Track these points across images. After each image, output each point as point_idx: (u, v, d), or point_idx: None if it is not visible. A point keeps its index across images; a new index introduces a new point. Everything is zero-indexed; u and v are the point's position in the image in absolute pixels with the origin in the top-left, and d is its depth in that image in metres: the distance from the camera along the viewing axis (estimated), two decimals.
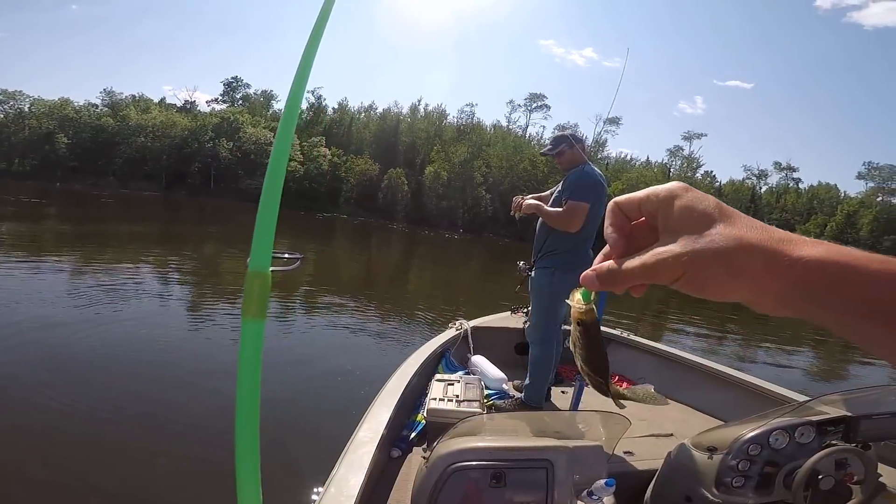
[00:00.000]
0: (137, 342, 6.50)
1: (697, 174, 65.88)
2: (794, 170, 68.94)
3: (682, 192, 0.45)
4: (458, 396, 2.64)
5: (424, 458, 1.75)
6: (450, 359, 3.69)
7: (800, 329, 15.04)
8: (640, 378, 3.98)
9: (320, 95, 70.74)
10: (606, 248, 0.50)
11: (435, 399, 2.62)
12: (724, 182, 66.14)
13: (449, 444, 1.69)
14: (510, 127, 73.31)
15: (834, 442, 1.84)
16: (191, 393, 5.13)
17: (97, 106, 63.71)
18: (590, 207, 3.14)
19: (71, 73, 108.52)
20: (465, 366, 3.70)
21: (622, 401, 0.71)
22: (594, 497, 1.67)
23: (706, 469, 1.83)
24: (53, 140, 56.78)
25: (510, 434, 1.91)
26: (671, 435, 2.90)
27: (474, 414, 2.46)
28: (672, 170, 67.23)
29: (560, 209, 3.20)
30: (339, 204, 57.21)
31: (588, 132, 73.59)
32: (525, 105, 74.29)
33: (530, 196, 3.56)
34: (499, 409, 3.21)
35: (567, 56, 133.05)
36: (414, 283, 17.41)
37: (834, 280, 0.37)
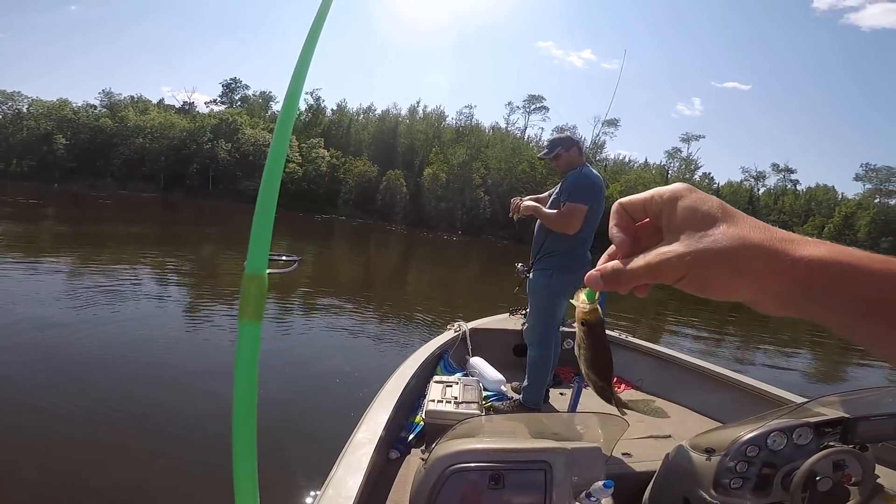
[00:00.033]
0: (135, 343, 6.49)
1: (696, 176, 65.89)
2: (791, 171, 69.07)
3: (686, 192, 0.45)
4: (456, 398, 2.64)
5: (423, 459, 1.75)
6: (448, 360, 3.69)
7: (797, 331, 15.06)
8: (639, 380, 3.98)
9: (319, 97, 70.76)
10: (611, 249, 0.50)
11: (433, 401, 2.62)
12: (722, 184, 66.21)
13: (447, 446, 1.69)
14: (509, 129, 73.31)
15: (832, 443, 1.84)
16: (188, 394, 5.13)
17: (95, 107, 63.63)
18: (588, 209, 3.15)
19: (69, 74, 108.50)
20: (463, 367, 3.71)
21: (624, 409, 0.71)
22: (592, 499, 1.67)
23: (704, 470, 1.83)
24: (51, 141, 56.70)
25: (508, 436, 1.91)
26: (669, 436, 2.91)
27: (473, 416, 2.46)
28: (670, 172, 67.26)
29: (558, 211, 3.20)
30: (338, 205, 57.18)
31: (586, 134, 73.40)
32: (524, 107, 74.34)
33: (528, 197, 3.56)
34: (497, 411, 3.21)
35: (565, 58, 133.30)
36: (412, 284, 17.41)
37: (836, 279, 0.37)
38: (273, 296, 9.78)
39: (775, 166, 69.55)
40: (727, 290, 0.41)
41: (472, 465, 1.63)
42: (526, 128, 74.35)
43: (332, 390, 5.75)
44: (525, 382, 3.32)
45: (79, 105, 62.82)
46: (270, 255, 0.65)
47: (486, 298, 13.53)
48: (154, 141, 57.62)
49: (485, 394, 3.17)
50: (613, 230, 0.50)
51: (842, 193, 64.90)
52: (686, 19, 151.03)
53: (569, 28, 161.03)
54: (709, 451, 1.86)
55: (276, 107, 73.70)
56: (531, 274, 3.39)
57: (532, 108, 73.91)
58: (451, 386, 2.78)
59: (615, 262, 0.48)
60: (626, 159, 73.87)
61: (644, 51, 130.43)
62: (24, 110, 60.88)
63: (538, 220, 3.37)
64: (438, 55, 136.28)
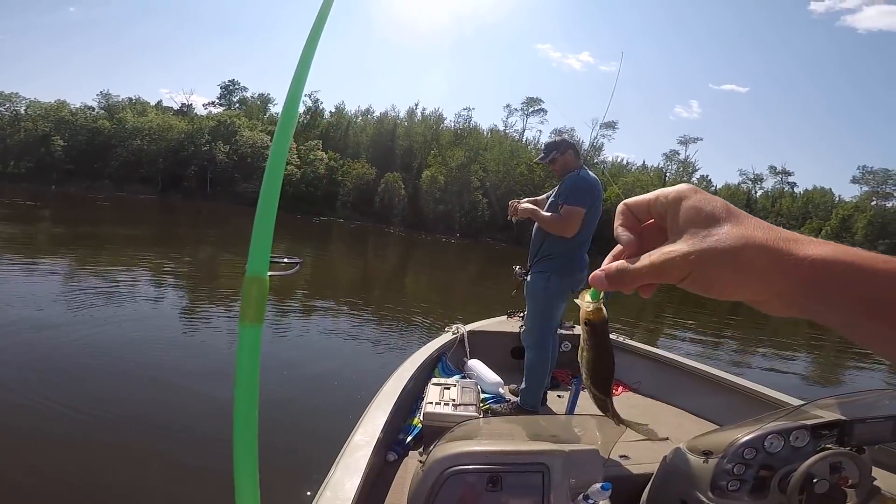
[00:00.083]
0: (132, 345, 6.48)
1: (693, 178, 65.93)
2: (789, 174, 69.17)
3: (691, 193, 0.46)
4: (454, 400, 2.64)
5: (420, 461, 1.75)
6: (446, 363, 3.69)
7: (795, 333, 15.08)
8: (637, 382, 3.99)
9: (317, 99, 70.75)
10: (616, 250, 0.51)
11: (431, 403, 2.62)
12: (719, 186, 66.27)
13: (445, 448, 1.69)
14: (507, 131, 73.36)
15: (829, 446, 1.85)
16: (185, 396, 5.12)
17: (93, 108, 63.42)
18: (585, 212, 3.16)
19: (68, 76, 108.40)
20: (461, 370, 3.71)
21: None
22: (590, 501, 1.67)
23: (701, 473, 1.84)
24: (49, 142, 56.53)
25: (506, 438, 1.91)
26: (667, 439, 2.91)
27: (471, 418, 2.46)
28: (668, 174, 67.35)
29: (556, 214, 3.21)
30: (336, 208, 57.13)
31: (584, 136, 73.62)
32: (522, 109, 74.33)
33: (526, 200, 3.57)
34: (495, 413, 3.21)
35: (564, 60, 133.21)
36: (410, 287, 17.40)
37: (840, 279, 0.37)
38: (271, 298, 9.76)
39: (772, 169, 69.72)
40: (730, 289, 0.42)
41: (470, 467, 1.63)
42: (524, 130, 74.45)
43: (329, 392, 5.75)
44: (523, 385, 3.32)
45: (77, 107, 62.68)
46: (271, 256, 0.64)
47: (484, 301, 13.54)
48: (152, 143, 57.49)
49: (483, 396, 3.17)
50: (619, 230, 0.50)
51: (839, 196, 65.11)
52: (684, 22, 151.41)
53: (567, 30, 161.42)
54: (706, 454, 1.86)
55: (275, 109, 73.73)
56: (529, 276, 3.39)
57: (530, 111, 73.97)
58: (448, 388, 2.78)
59: (620, 262, 0.48)
60: (625, 162, 74.12)
61: (642, 53, 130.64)
62: (22, 112, 60.67)
63: (536, 223, 3.38)
64: (437, 57, 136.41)
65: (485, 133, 70.83)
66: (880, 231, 53.01)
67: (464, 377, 3.47)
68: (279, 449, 4.05)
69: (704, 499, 1.80)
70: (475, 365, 3.63)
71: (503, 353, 4.18)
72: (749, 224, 0.42)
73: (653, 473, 2.07)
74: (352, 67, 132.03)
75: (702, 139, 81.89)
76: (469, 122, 70.65)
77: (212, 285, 11.81)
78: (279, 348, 7.10)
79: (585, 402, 3.32)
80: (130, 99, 67.50)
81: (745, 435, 1.83)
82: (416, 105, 72.77)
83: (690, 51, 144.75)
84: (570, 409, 3.04)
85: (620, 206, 0.51)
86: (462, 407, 2.59)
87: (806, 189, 67.60)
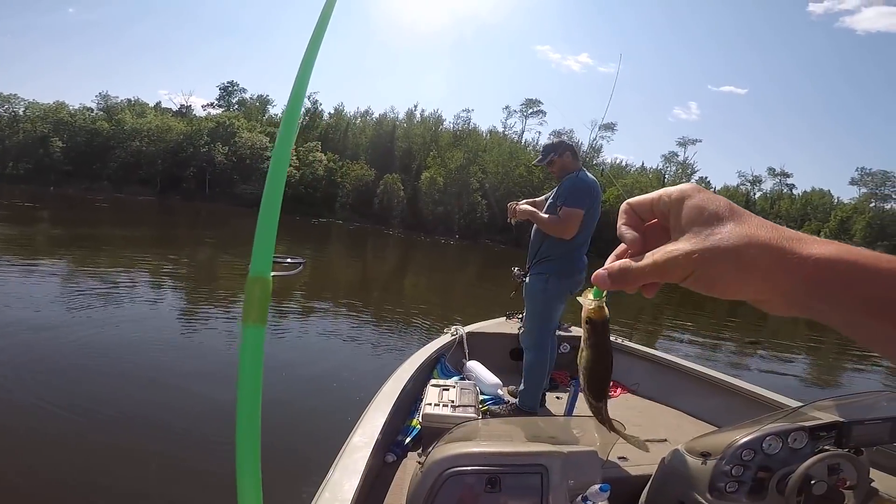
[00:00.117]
0: (130, 346, 6.49)
1: (692, 180, 65.71)
2: (787, 175, 69.12)
3: (694, 192, 0.46)
4: (453, 402, 2.64)
5: (419, 463, 1.75)
6: (445, 364, 3.69)
7: (793, 335, 15.10)
8: (635, 384, 3.99)
9: (316, 100, 70.72)
10: (619, 249, 0.50)
11: (430, 404, 2.62)
12: (718, 188, 66.20)
13: (444, 450, 1.69)
14: (506, 133, 73.34)
15: (826, 447, 1.85)
16: (184, 397, 5.12)
17: (92, 110, 63.32)
18: (584, 214, 3.16)
19: (67, 77, 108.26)
20: (460, 371, 3.71)
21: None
22: (588, 502, 1.68)
23: (700, 474, 1.84)
24: (48, 144, 56.45)
25: (505, 439, 1.92)
26: (665, 440, 2.91)
27: (469, 419, 2.46)
28: (667, 176, 67.36)
29: (554, 216, 3.21)
30: (335, 209, 57.08)
31: (583, 138, 73.68)
32: (521, 111, 74.35)
33: (524, 201, 3.57)
34: (494, 415, 3.21)
35: (563, 61, 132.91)
36: (409, 288, 17.40)
37: (844, 278, 0.37)
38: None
39: (771, 170, 69.68)
40: (734, 288, 0.41)
41: (469, 468, 1.64)
42: (523, 132, 74.42)
43: (328, 393, 5.75)
44: (521, 386, 3.32)
45: (75, 108, 62.63)
46: (274, 257, 0.64)
47: (483, 302, 13.53)
48: (151, 144, 57.40)
49: (481, 397, 3.17)
50: (622, 229, 0.50)
51: (837, 198, 65.11)
52: (683, 23, 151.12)
53: (566, 31, 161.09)
54: (704, 455, 1.87)
55: (274, 110, 73.69)
56: (528, 278, 3.40)
57: (529, 112, 73.98)
58: (447, 389, 2.78)
59: (623, 261, 0.48)
60: (623, 163, 74.11)
61: (641, 54, 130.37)
62: (21, 113, 60.61)
63: (535, 225, 3.38)
64: (436, 58, 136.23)
65: (484, 134, 70.78)
66: (879, 233, 53.02)
67: (463, 378, 3.47)
68: (278, 449, 4.04)
69: (703, 500, 1.80)
70: (474, 366, 3.63)
71: (502, 354, 4.18)
72: (752, 223, 0.42)
73: (651, 475, 2.07)
74: (351, 68, 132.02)
75: (701, 141, 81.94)
76: (468, 124, 70.78)
77: (210, 287, 11.80)
78: (278, 349, 7.10)
79: (584, 403, 3.32)
80: (129, 100, 67.48)
81: (743, 436, 1.83)
82: (416, 106, 72.66)
83: (689, 52, 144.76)
84: (569, 411, 3.04)
85: (623, 206, 0.51)
86: (461, 408, 2.59)
87: (805, 191, 67.74)
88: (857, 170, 65.49)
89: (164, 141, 57.76)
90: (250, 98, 74.92)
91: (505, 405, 3.34)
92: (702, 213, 0.43)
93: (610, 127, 67.94)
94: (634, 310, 15.11)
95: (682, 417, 3.52)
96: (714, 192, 0.46)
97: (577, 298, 0.55)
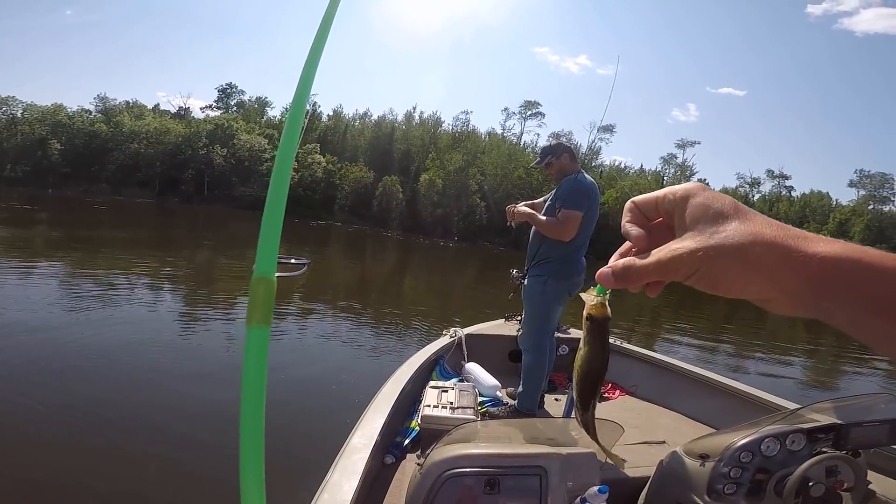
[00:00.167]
0: (129, 347, 6.48)
1: (691, 182, 65.74)
2: (786, 177, 69.23)
3: (699, 191, 0.46)
4: (452, 403, 2.65)
5: (418, 464, 1.76)
6: (444, 366, 3.70)
7: (791, 338, 15.11)
8: (633, 386, 3.99)
9: (315, 102, 70.63)
10: (623, 248, 0.50)
11: (429, 406, 2.62)
12: (717, 190, 65.93)
13: (443, 451, 1.70)
14: (505, 135, 73.37)
15: (824, 449, 1.86)
16: (183, 399, 5.12)
17: (90, 112, 63.29)
18: (583, 215, 3.17)
19: (65, 78, 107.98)
20: (459, 373, 3.71)
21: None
22: None
23: (698, 476, 1.84)
24: (46, 146, 56.41)
25: (504, 441, 1.92)
26: (663, 442, 2.92)
27: (468, 421, 2.46)
28: (666, 178, 67.38)
29: (553, 218, 3.22)
30: (334, 211, 57.01)
31: (582, 140, 73.67)
32: (520, 112, 74.41)
33: (523, 203, 3.58)
34: (493, 416, 3.22)
35: (561, 63, 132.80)
36: (408, 290, 17.41)
37: (849, 276, 0.37)
38: None
39: (770, 172, 69.81)
40: (738, 286, 0.41)
41: (468, 470, 1.64)
42: (522, 134, 74.46)
43: (327, 395, 5.75)
44: (520, 388, 3.33)
45: (74, 110, 62.62)
46: (279, 257, 0.64)
47: (482, 304, 13.54)
48: (149, 146, 57.33)
49: (480, 399, 3.17)
50: (627, 226, 0.50)
51: (836, 200, 65.32)
52: (681, 25, 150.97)
53: (565, 33, 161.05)
54: (703, 457, 1.87)
55: (272, 112, 73.62)
56: (526, 280, 3.41)
57: (528, 114, 74.05)
58: (446, 391, 2.79)
59: (627, 259, 0.47)
60: (622, 165, 74.11)
61: (640, 56, 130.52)
62: (19, 115, 60.61)
63: (533, 227, 3.39)
64: (435, 60, 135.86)
65: (483, 136, 70.77)
66: (878, 235, 53.07)
67: (461, 380, 3.48)
68: (277, 451, 4.04)
69: (701, 502, 1.81)
70: (473, 368, 3.63)
71: (501, 356, 4.18)
72: (758, 221, 0.41)
73: (650, 477, 2.07)
74: (350, 70, 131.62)
75: (699, 142, 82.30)
76: (467, 126, 70.74)
77: (209, 289, 11.80)
78: (277, 351, 7.09)
79: None
80: (127, 102, 67.39)
81: (741, 438, 1.83)
82: (414, 108, 72.66)
83: (688, 54, 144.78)
84: (568, 412, 3.05)
85: (628, 204, 0.51)
86: (460, 410, 2.59)
87: (803, 193, 67.92)
88: (855, 172, 65.71)
89: (163, 143, 57.70)
90: (249, 100, 74.88)
91: (504, 407, 3.34)
92: (707, 211, 0.43)
93: (609, 129, 68.05)
94: (634, 312, 15.12)
95: (680, 419, 3.52)
96: None
97: (581, 294, 0.54)
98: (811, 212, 62.32)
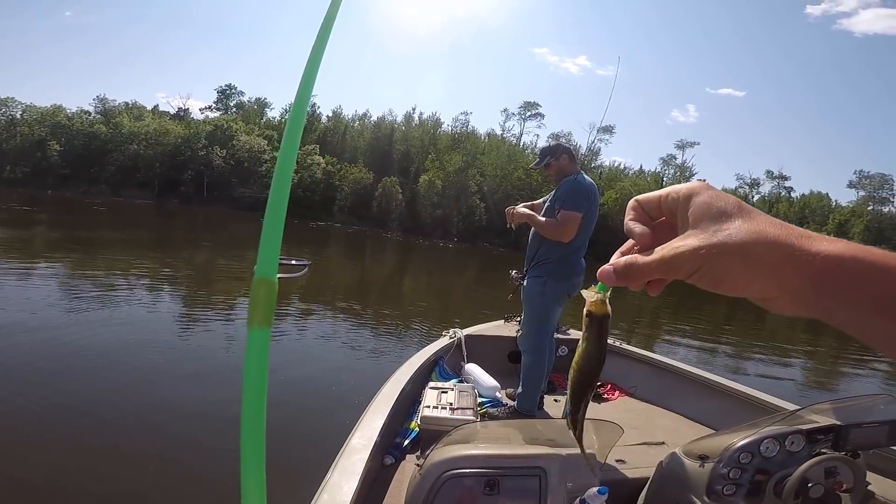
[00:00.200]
0: (128, 348, 6.48)
1: (694, 181, 65.65)
2: (786, 178, 69.29)
3: (703, 189, 0.45)
4: (451, 404, 2.65)
5: (418, 465, 1.76)
6: (443, 367, 3.70)
7: (791, 339, 15.12)
8: (633, 387, 4.00)
9: (314, 103, 70.59)
10: (624, 246, 0.50)
11: (429, 407, 2.62)
12: None
13: (443, 452, 1.70)
14: (504, 135, 73.36)
15: (824, 450, 1.86)
16: (182, 400, 5.11)
17: (90, 113, 63.37)
18: (582, 216, 3.17)
19: (64, 79, 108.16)
20: (458, 374, 3.71)
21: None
22: None
23: (697, 477, 1.84)
24: (45, 147, 56.42)
25: (503, 442, 1.92)
26: (663, 443, 2.92)
27: (468, 422, 2.46)
28: (665, 179, 67.35)
29: (552, 219, 3.22)
30: (333, 213, 56.96)
31: (582, 141, 73.65)
32: (519, 113, 74.41)
33: (522, 205, 3.58)
34: (492, 417, 3.22)
35: (561, 64, 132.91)
36: (408, 291, 17.40)
37: (852, 275, 0.37)
38: None
39: (769, 173, 69.86)
40: (741, 284, 0.41)
41: (468, 470, 1.64)
42: (521, 134, 74.44)
43: (327, 395, 5.75)
44: (519, 389, 3.33)
45: (73, 111, 62.66)
46: (280, 258, 0.64)
47: (482, 305, 13.54)
48: (148, 147, 57.36)
49: (480, 400, 3.17)
50: (630, 224, 0.50)
51: (835, 201, 65.30)
52: (680, 26, 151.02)
53: (564, 34, 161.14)
54: (702, 458, 1.87)
55: (271, 113, 73.72)
56: (525, 281, 3.41)
57: (528, 115, 74.05)
58: (446, 392, 2.79)
59: (629, 256, 0.47)
60: (622, 166, 73.98)
61: (639, 57, 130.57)
62: (18, 116, 60.66)
63: (533, 228, 3.39)
64: (434, 61, 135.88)
65: (482, 137, 70.73)
66: (877, 236, 53.06)
67: (461, 381, 3.48)
68: (277, 451, 4.03)
69: (700, 503, 1.81)
70: (472, 369, 3.64)
71: (500, 357, 4.18)
72: (761, 220, 0.41)
73: (649, 478, 2.07)
74: (349, 71, 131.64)
75: (699, 143, 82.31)
76: (466, 127, 70.78)
77: (208, 290, 11.79)
78: (277, 351, 7.09)
79: None
80: (127, 103, 67.44)
81: (741, 439, 1.83)
82: (414, 109, 72.65)
83: (687, 54, 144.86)
84: (567, 413, 3.05)
85: (631, 203, 0.51)
86: (459, 411, 2.60)
87: (803, 193, 67.94)
88: (855, 173, 65.73)
89: (162, 144, 57.72)
90: (248, 101, 74.94)
91: (503, 408, 3.34)
92: (710, 210, 0.43)
93: (608, 130, 68.03)
94: (633, 313, 15.13)
95: (679, 420, 3.52)
96: None
97: (582, 291, 0.53)
98: (811, 213, 62.27)
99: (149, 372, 5.78)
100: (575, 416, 0.59)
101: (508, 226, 3.61)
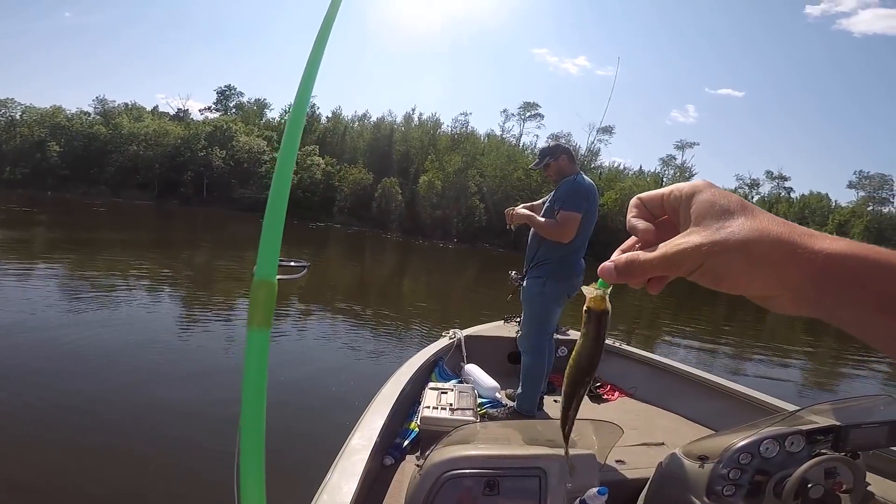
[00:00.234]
0: (127, 349, 6.48)
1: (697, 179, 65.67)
2: (785, 179, 69.29)
3: (706, 187, 0.45)
4: (451, 405, 2.65)
5: (418, 465, 1.76)
6: (443, 367, 3.70)
7: (791, 340, 15.11)
8: (632, 387, 4.00)
9: (314, 104, 70.58)
10: (625, 244, 0.50)
11: (428, 407, 2.62)
12: None
13: (442, 452, 1.70)
14: (504, 136, 73.36)
15: (823, 451, 1.86)
16: (181, 400, 5.11)
17: (89, 114, 63.43)
18: (581, 217, 3.17)
19: (64, 80, 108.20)
20: (458, 374, 3.71)
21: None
22: None
23: (697, 478, 1.84)
24: (45, 148, 56.47)
25: (503, 442, 1.92)
26: (662, 444, 2.92)
27: (468, 422, 2.46)
28: (665, 179, 67.33)
29: (552, 220, 3.22)
30: (333, 213, 56.93)
31: (581, 141, 73.69)
32: (519, 114, 74.40)
33: (522, 205, 3.58)
34: (492, 418, 3.21)
35: (560, 64, 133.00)
36: (408, 292, 17.40)
37: (855, 272, 0.37)
38: None
39: (769, 174, 69.84)
40: (743, 281, 0.41)
41: (468, 471, 1.64)
42: (521, 135, 74.43)
43: (326, 396, 5.75)
44: (519, 389, 3.32)
45: (73, 112, 62.68)
46: (279, 260, 0.64)
47: (481, 306, 13.54)
48: (148, 148, 57.40)
49: (479, 401, 3.17)
50: (633, 221, 0.49)
51: (835, 201, 65.32)
52: (680, 26, 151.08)
53: (563, 35, 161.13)
54: (702, 459, 1.87)
55: (271, 114, 73.73)
56: (525, 282, 3.41)
57: (527, 116, 74.05)
58: (446, 393, 2.79)
59: (630, 253, 0.47)
60: (621, 167, 73.97)
61: (638, 57, 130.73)
62: (18, 117, 60.71)
63: (532, 229, 3.39)
64: (434, 61, 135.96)
65: (482, 138, 70.68)
66: (877, 237, 52.92)
67: (461, 382, 3.48)
68: (276, 451, 4.04)
69: (700, 503, 1.81)
70: (472, 370, 3.63)
71: (500, 357, 4.18)
72: (764, 218, 0.41)
73: (649, 478, 2.07)
74: (349, 71, 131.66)
75: (698, 144, 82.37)
76: (466, 127, 70.74)
77: (208, 291, 11.79)
78: (277, 352, 7.08)
79: (582, 406, 3.31)
80: (126, 104, 67.50)
81: (740, 440, 1.83)
82: (413, 110, 72.62)
83: (686, 55, 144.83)
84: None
85: (634, 200, 0.50)
86: (459, 411, 2.59)
87: (802, 194, 67.93)
88: (854, 173, 65.70)
89: (162, 145, 57.77)
90: (248, 102, 74.97)
91: (503, 408, 3.34)
92: (713, 207, 0.43)
93: (608, 130, 67.99)
94: (633, 314, 15.13)
95: (679, 421, 3.52)
96: None
97: (582, 288, 0.52)
98: (810, 213, 62.22)
99: (148, 372, 5.78)
100: (566, 413, 0.58)
101: (508, 227, 3.61)
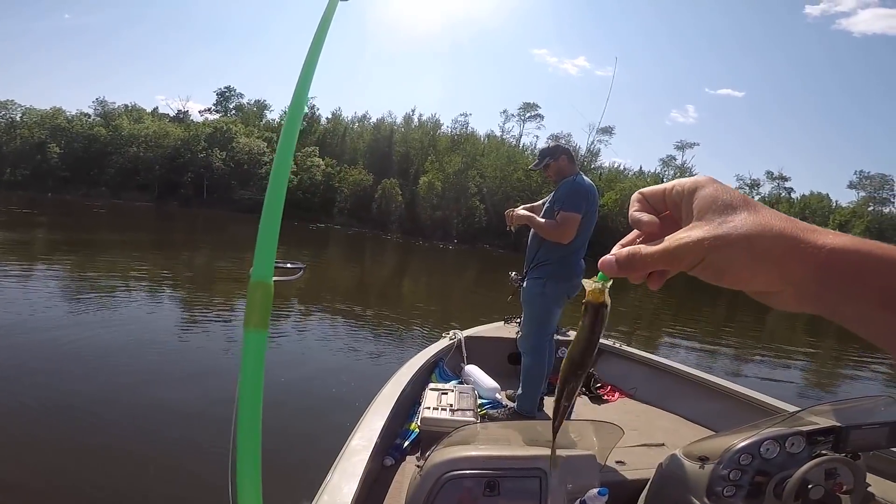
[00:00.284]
0: (126, 349, 6.48)
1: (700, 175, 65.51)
2: (786, 179, 69.20)
3: (708, 183, 0.45)
4: (451, 405, 2.65)
5: (418, 466, 1.76)
6: (443, 368, 3.70)
7: (791, 340, 15.11)
8: (633, 388, 3.99)
9: (314, 105, 70.56)
10: (626, 238, 0.50)
11: (429, 408, 2.62)
12: None
13: (443, 453, 1.70)
14: (504, 137, 73.36)
15: (824, 452, 1.86)
16: (180, 400, 5.11)
17: (89, 115, 63.43)
18: (581, 217, 3.17)
19: (64, 81, 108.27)
20: (458, 375, 3.71)
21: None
22: None
23: (697, 478, 1.84)
24: (45, 150, 56.48)
25: (503, 443, 1.92)
26: (663, 445, 2.92)
27: (468, 423, 2.46)
28: (665, 179, 66.87)
29: (552, 220, 3.22)
30: (333, 214, 56.90)
31: (581, 142, 73.72)
32: (519, 114, 74.39)
33: (522, 206, 3.58)
34: (492, 419, 3.21)
35: (560, 65, 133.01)
36: (408, 293, 17.39)
37: (858, 268, 0.37)
38: None
39: (769, 174, 69.76)
40: (744, 277, 0.40)
41: (468, 472, 1.64)
42: (521, 136, 74.43)
43: (327, 397, 5.74)
44: (519, 390, 3.32)
45: (73, 114, 62.71)
46: (276, 262, 0.64)
47: (481, 307, 13.54)
48: (148, 150, 57.42)
49: (480, 401, 3.17)
50: (636, 214, 0.49)
51: (836, 201, 65.18)
52: (679, 26, 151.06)
53: (563, 35, 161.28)
54: (702, 460, 1.87)
55: (271, 115, 73.71)
56: (525, 282, 3.40)
57: (527, 116, 74.06)
58: (446, 393, 2.79)
59: (632, 246, 0.46)
60: (621, 167, 73.92)
61: (638, 58, 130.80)
62: (18, 119, 60.73)
63: (532, 229, 3.39)
64: (433, 62, 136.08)
65: (482, 139, 70.63)
66: (878, 237, 52.04)
67: (461, 382, 3.47)
68: (277, 452, 4.04)
69: None
70: (472, 370, 3.63)
71: (500, 358, 4.18)
72: (766, 213, 0.41)
73: (649, 479, 2.07)
74: (348, 72, 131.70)
75: (698, 144, 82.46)
76: (466, 128, 70.76)
77: (208, 291, 11.79)
78: (276, 353, 7.09)
79: (582, 407, 3.33)
80: (126, 106, 67.55)
81: (741, 441, 1.83)
82: (413, 111, 72.54)
83: (686, 55, 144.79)
84: (567, 415, 3.05)
85: (636, 195, 0.50)
86: (459, 412, 2.60)
87: (803, 194, 67.78)
88: (855, 173, 65.62)
89: (162, 146, 57.80)
90: (247, 103, 75.03)
91: (503, 409, 3.34)
92: (715, 202, 0.43)
93: (608, 130, 67.91)
94: (633, 314, 15.12)
95: (679, 422, 3.52)
96: None
97: (583, 281, 0.52)
98: (811, 213, 62.08)
99: (148, 373, 5.78)
100: (558, 405, 0.58)
101: (508, 228, 3.60)
